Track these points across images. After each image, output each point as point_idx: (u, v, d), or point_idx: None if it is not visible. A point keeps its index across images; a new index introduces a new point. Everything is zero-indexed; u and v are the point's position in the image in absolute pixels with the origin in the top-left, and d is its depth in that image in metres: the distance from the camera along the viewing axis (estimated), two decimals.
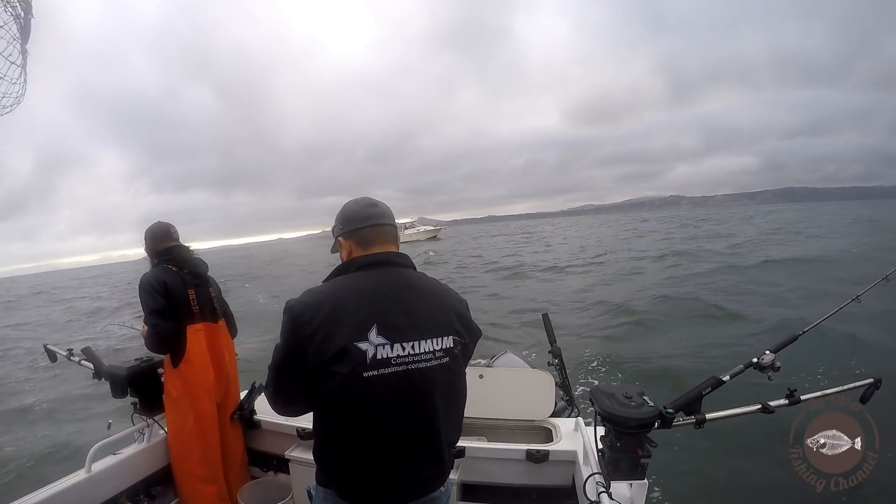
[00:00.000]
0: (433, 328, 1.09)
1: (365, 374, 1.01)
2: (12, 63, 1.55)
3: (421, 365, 1.06)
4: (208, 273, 2.38)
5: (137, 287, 2.17)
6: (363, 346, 1.01)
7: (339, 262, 1.21)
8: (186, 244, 2.36)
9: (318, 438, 1.13)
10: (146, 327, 2.16)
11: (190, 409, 2.18)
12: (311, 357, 1.02)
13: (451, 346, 1.11)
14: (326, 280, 1.15)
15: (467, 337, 1.16)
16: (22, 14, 1.54)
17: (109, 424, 2.23)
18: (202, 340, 2.23)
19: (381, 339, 1.03)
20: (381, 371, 1.02)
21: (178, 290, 2.18)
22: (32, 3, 1.55)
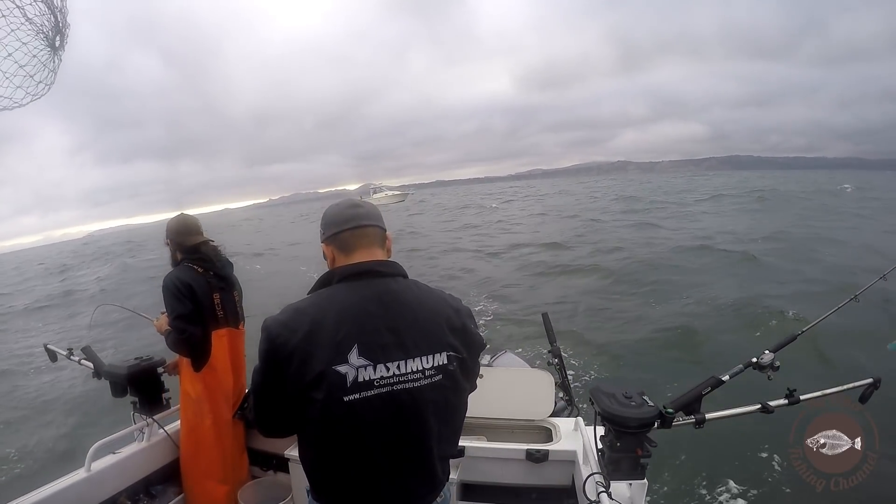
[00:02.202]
0: (422, 345, 1.01)
1: (345, 399, 0.95)
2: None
3: (408, 385, 0.99)
4: (234, 275, 2.32)
5: (161, 287, 2.11)
6: (342, 369, 0.95)
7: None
8: (213, 242, 2.28)
9: (303, 455, 1.08)
10: (163, 322, 2.14)
11: (209, 412, 2.17)
12: (290, 381, 0.97)
13: (445, 362, 1.03)
14: (310, 291, 1.07)
15: (465, 350, 1.08)
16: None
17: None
18: (225, 346, 2.21)
19: (362, 361, 0.96)
20: (364, 394, 0.96)
21: (203, 295, 2.12)
22: None
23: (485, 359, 2.84)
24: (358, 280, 1.05)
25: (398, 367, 0.99)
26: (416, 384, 1.00)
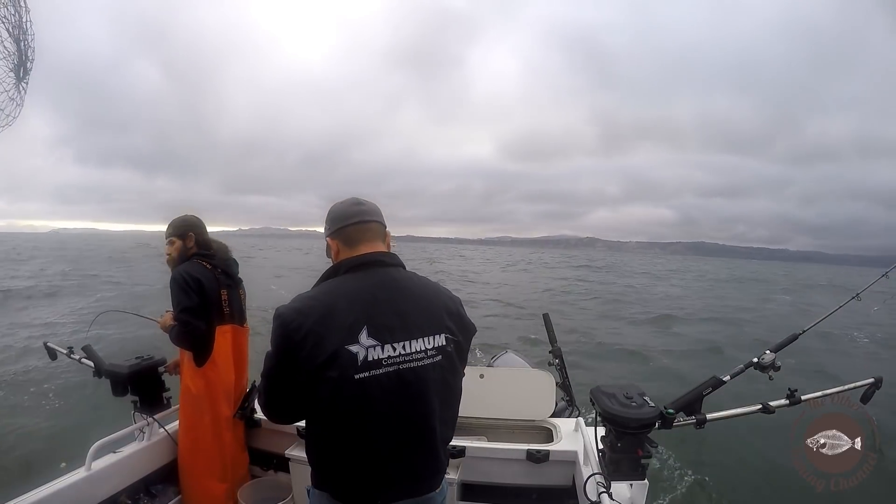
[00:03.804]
0: (424, 327, 1.09)
1: (356, 377, 1.01)
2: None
3: (413, 364, 1.06)
4: (239, 274, 2.34)
5: (169, 281, 2.12)
6: (353, 348, 1.01)
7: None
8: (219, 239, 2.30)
9: (310, 443, 1.13)
10: (168, 318, 2.14)
11: (208, 409, 2.17)
12: (303, 363, 1.02)
13: (444, 343, 1.11)
14: (316, 284, 1.14)
15: (460, 334, 1.16)
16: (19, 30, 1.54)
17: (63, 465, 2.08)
18: (228, 343, 2.21)
19: (371, 341, 1.03)
20: (373, 372, 1.02)
21: (211, 290, 2.14)
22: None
23: (486, 359, 2.84)
24: (363, 270, 1.12)
25: (403, 346, 1.06)
26: (420, 363, 1.07)
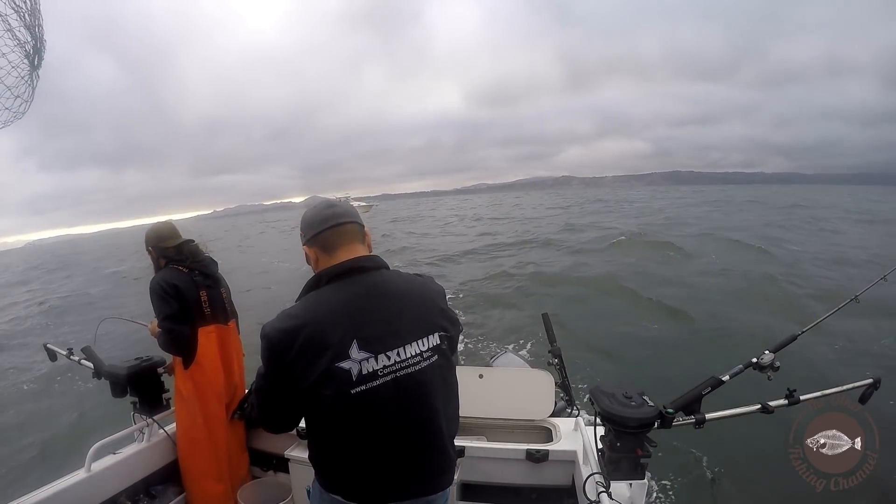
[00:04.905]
0: (416, 330, 1.06)
1: (353, 391, 0.99)
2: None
3: (410, 370, 1.04)
4: (219, 272, 2.34)
5: (148, 291, 2.14)
6: (346, 365, 0.99)
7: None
8: (193, 241, 2.30)
9: (314, 450, 1.12)
10: (155, 326, 2.17)
11: (199, 410, 2.18)
12: (296, 383, 1.01)
13: (438, 342, 1.09)
14: (299, 297, 1.10)
15: (451, 329, 1.15)
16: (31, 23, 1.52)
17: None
18: (213, 343, 2.22)
19: (363, 354, 1.00)
20: (370, 385, 1.00)
21: (189, 292, 2.15)
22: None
23: (485, 359, 2.84)
24: (345, 279, 1.08)
25: (397, 353, 1.03)
26: (417, 367, 1.05)
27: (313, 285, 1.10)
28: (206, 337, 2.20)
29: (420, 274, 1.21)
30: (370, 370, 1.00)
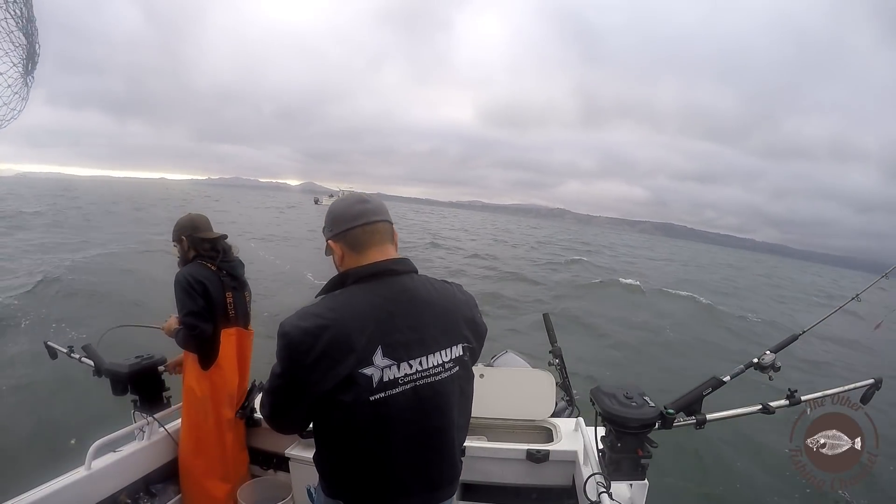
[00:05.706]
0: (441, 340, 1.03)
1: (371, 399, 0.96)
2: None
3: (430, 379, 1.01)
4: (244, 275, 2.31)
5: (173, 283, 2.10)
6: (368, 371, 0.95)
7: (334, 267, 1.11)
8: (226, 235, 2.24)
9: (322, 452, 1.07)
10: (173, 322, 2.13)
11: (212, 411, 2.17)
12: (312, 386, 0.97)
13: (461, 353, 1.06)
14: (321, 293, 1.05)
15: (475, 341, 1.12)
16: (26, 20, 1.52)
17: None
18: (233, 346, 2.20)
19: (386, 361, 0.97)
20: (389, 392, 0.97)
21: (216, 292, 2.11)
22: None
23: (486, 358, 2.83)
24: (374, 280, 1.03)
25: (420, 363, 1.00)
26: (437, 377, 1.02)
27: (338, 283, 1.05)
28: (228, 339, 2.17)
29: (449, 281, 1.15)
30: (391, 378, 0.97)
